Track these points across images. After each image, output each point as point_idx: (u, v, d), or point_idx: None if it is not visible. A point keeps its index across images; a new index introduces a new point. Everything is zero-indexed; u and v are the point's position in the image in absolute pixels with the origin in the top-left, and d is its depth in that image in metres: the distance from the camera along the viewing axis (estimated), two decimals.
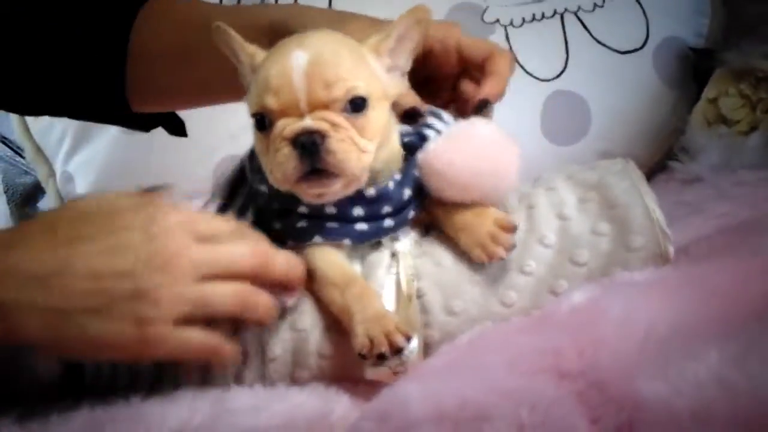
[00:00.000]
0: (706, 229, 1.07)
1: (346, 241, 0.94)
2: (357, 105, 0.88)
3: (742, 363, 0.59)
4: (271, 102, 0.88)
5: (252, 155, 0.98)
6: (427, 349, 0.88)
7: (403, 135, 0.96)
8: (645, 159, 1.67)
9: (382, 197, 0.93)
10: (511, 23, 1.77)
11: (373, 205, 0.93)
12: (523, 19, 1.77)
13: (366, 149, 0.89)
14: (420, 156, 0.92)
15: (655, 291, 0.80)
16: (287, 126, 0.86)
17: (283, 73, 0.87)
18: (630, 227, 0.91)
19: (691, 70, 1.74)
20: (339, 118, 0.87)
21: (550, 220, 0.93)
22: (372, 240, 0.93)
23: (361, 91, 0.88)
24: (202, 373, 0.88)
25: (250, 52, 0.95)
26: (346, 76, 0.87)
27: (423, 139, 0.94)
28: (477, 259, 0.89)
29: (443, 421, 0.64)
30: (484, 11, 1.77)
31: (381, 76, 0.93)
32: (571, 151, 1.68)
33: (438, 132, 0.95)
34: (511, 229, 0.90)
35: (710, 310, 0.72)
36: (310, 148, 0.85)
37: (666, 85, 1.74)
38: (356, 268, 0.95)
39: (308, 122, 0.86)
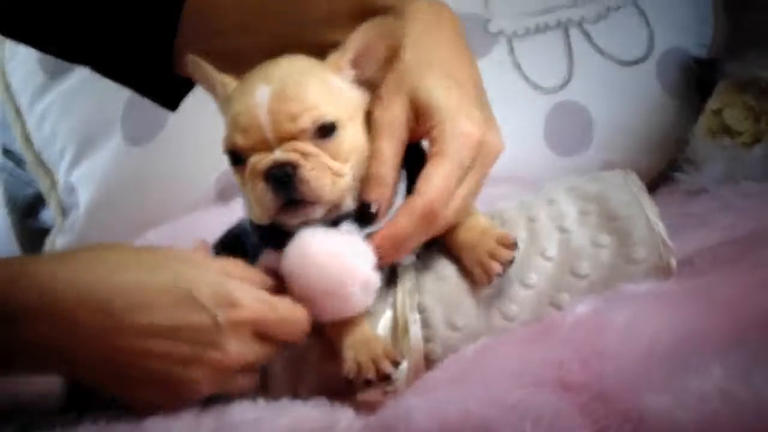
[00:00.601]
0: (710, 240, 1.07)
1: None
2: (326, 130, 0.88)
3: (746, 376, 0.59)
4: (240, 140, 0.88)
5: None
6: (429, 364, 0.88)
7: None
8: (648, 170, 1.66)
9: (348, 216, 0.93)
10: (515, 34, 1.77)
11: (336, 223, 0.92)
12: (527, 30, 1.77)
13: (341, 172, 0.88)
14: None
15: (659, 303, 0.80)
16: (259, 161, 0.87)
17: (248, 111, 0.88)
18: (631, 239, 0.90)
19: (695, 81, 1.74)
20: (309, 147, 0.87)
21: (550, 232, 0.93)
22: None
23: (329, 116, 0.87)
24: None
25: (223, 82, 0.95)
26: (311, 105, 0.87)
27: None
28: (479, 279, 0.89)
29: None
30: (488, 22, 1.77)
31: (348, 92, 0.92)
32: (575, 161, 1.68)
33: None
34: (511, 245, 0.89)
35: (714, 323, 0.72)
36: (283, 180, 0.86)
37: (669, 96, 1.74)
38: None
39: (278, 155, 0.86)
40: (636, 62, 1.74)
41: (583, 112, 1.72)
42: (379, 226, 0.89)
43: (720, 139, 1.56)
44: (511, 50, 1.75)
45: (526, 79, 1.74)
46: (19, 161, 2.06)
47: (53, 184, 1.92)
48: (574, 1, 1.78)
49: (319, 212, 0.88)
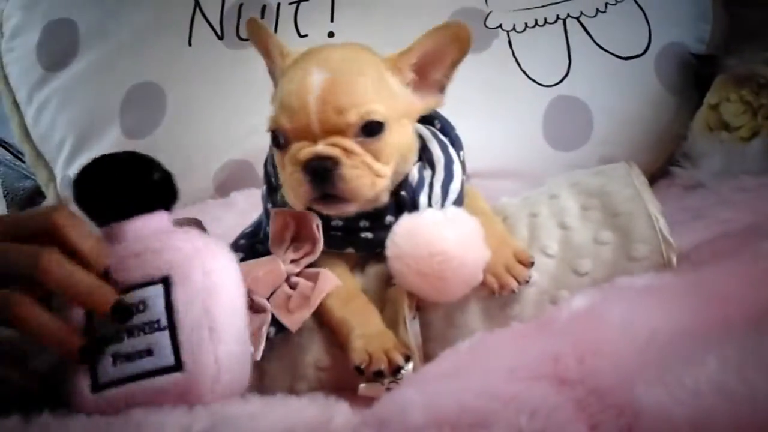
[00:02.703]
0: (707, 234, 1.06)
1: (350, 250, 0.94)
2: (372, 129, 0.87)
3: (742, 370, 0.59)
4: (286, 123, 0.87)
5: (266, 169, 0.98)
6: (428, 361, 0.87)
7: (402, 184, 0.94)
8: (647, 164, 1.66)
9: (385, 208, 0.93)
10: (514, 29, 1.76)
11: (377, 216, 0.93)
12: (526, 25, 1.76)
13: (381, 173, 0.88)
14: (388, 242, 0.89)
15: (655, 297, 0.80)
16: (300, 150, 0.86)
17: (298, 94, 0.87)
18: (633, 236, 0.90)
19: (693, 76, 1.73)
20: (352, 144, 0.86)
21: (552, 229, 0.93)
22: (377, 249, 0.92)
23: (377, 116, 0.87)
24: None
25: (282, 51, 0.95)
26: (361, 100, 0.87)
27: (414, 205, 0.93)
28: (489, 286, 0.88)
29: (442, 428, 0.64)
30: (487, 17, 1.77)
31: (400, 94, 0.92)
32: (573, 156, 1.68)
33: (430, 194, 0.94)
34: (528, 263, 0.89)
35: (710, 317, 0.72)
36: (322, 175, 0.85)
37: (668, 91, 1.73)
38: (357, 279, 0.94)
39: (320, 148, 0.86)
40: (634, 57, 1.74)
41: (582, 107, 1.72)
42: None
43: (717, 134, 1.56)
44: (510, 45, 1.75)
45: (525, 73, 1.73)
46: (17, 154, 2.06)
47: (51, 177, 1.92)
48: None
49: (353, 209, 0.88)
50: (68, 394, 0.81)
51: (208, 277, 0.80)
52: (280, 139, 0.89)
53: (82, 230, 0.81)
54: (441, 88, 0.95)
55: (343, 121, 0.86)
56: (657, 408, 0.60)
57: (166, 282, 0.80)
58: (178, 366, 0.79)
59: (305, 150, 0.86)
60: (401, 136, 0.91)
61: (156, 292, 0.80)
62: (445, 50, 0.92)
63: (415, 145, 0.95)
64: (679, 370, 0.62)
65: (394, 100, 0.90)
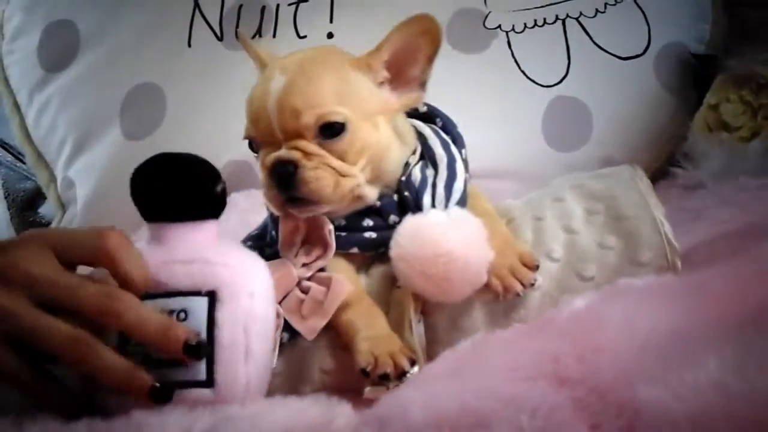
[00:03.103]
0: (707, 235, 1.06)
1: (354, 250, 0.94)
2: (333, 130, 0.88)
3: (742, 369, 0.59)
4: (252, 130, 0.90)
5: None
6: None
7: (405, 182, 0.94)
8: (646, 165, 1.65)
9: (389, 207, 0.93)
10: (513, 29, 1.76)
11: (380, 215, 0.93)
12: (525, 25, 1.76)
13: (347, 173, 0.88)
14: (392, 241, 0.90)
15: (655, 297, 0.80)
16: (266, 156, 0.88)
17: (259, 100, 0.89)
18: (638, 241, 0.90)
19: (693, 76, 1.73)
20: (312, 146, 0.87)
21: (556, 232, 0.93)
22: (381, 249, 0.92)
23: (336, 116, 0.88)
24: None
25: (262, 59, 0.97)
26: (318, 102, 0.87)
27: (418, 205, 0.93)
28: (493, 289, 0.88)
29: (443, 427, 0.64)
30: (486, 17, 1.77)
31: (370, 93, 0.92)
32: (573, 157, 1.68)
33: (433, 194, 0.94)
34: (533, 266, 0.89)
35: (710, 316, 0.72)
36: (286, 179, 0.86)
37: (667, 91, 1.73)
38: (362, 280, 0.94)
39: (281, 152, 0.87)
40: (634, 57, 1.74)
41: (581, 108, 1.72)
42: None
43: (717, 134, 1.55)
44: (509, 45, 1.75)
45: (524, 74, 1.73)
46: (18, 155, 2.06)
47: (52, 178, 1.92)
48: None
49: (323, 210, 0.89)
50: (96, 394, 0.82)
51: (252, 300, 0.81)
52: (253, 146, 0.90)
53: (133, 256, 0.82)
54: (421, 84, 0.95)
55: (301, 124, 0.87)
56: (657, 406, 0.60)
57: (211, 296, 0.81)
58: (209, 383, 0.79)
59: (270, 155, 0.88)
60: (371, 135, 0.91)
61: (200, 304, 0.81)
62: (416, 45, 0.93)
63: (396, 143, 0.95)
64: (679, 369, 0.62)
65: (360, 100, 0.91)
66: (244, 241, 1.03)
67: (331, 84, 0.90)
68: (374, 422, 0.69)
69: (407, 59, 0.93)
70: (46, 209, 2.04)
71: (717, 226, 1.13)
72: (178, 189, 0.84)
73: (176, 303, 0.80)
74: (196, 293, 0.81)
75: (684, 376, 0.61)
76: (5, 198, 2.06)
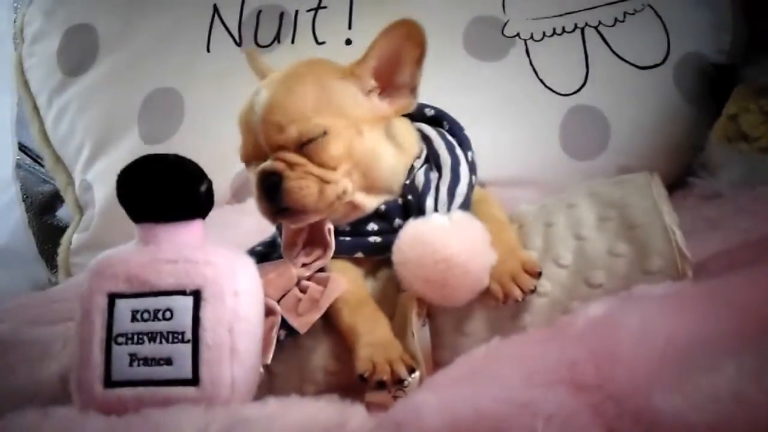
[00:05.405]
0: (724, 244, 1.06)
1: (359, 254, 0.94)
2: (314, 139, 0.89)
3: (759, 377, 0.59)
4: (242, 149, 0.94)
5: None
6: (437, 369, 0.87)
7: (409, 188, 0.95)
8: (664, 174, 1.62)
9: (393, 211, 0.94)
10: (532, 37, 1.76)
11: (385, 219, 0.93)
12: (544, 34, 1.76)
13: (330, 179, 0.89)
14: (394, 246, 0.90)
15: (672, 305, 0.80)
16: (255, 169, 0.91)
17: (246, 116, 0.93)
18: (648, 249, 0.89)
19: (711, 86, 1.73)
20: (296, 157, 0.89)
21: (566, 239, 0.92)
22: (386, 252, 0.92)
23: (317, 129, 0.89)
24: None
25: (263, 73, 1.00)
26: (297, 116, 0.89)
27: (420, 208, 0.94)
28: (494, 295, 0.88)
29: None
30: (505, 25, 1.77)
31: (356, 101, 0.93)
32: (591, 165, 1.68)
33: (437, 197, 0.94)
34: (535, 273, 0.88)
35: (728, 325, 0.72)
36: (273, 190, 0.88)
37: (686, 101, 1.73)
38: (369, 284, 0.95)
39: (266, 164, 0.90)
40: (653, 67, 1.74)
41: (600, 117, 1.72)
42: None
43: (736, 145, 1.55)
44: (528, 54, 1.75)
45: (542, 82, 1.73)
46: (36, 158, 2.07)
47: (70, 181, 1.93)
48: (591, 4, 1.78)
49: (312, 219, 0.90)
50: (78, 387, 0.82)
51: (238, 299, 0.82)
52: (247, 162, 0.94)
53: None
54: (412, 90, 0.96)
55: (284, 138, 0.89)
56: (674, 414, 0.60)
57: (196, 295, 0.81)
58: (195, 381, 0.80)
59: (258, 168, 0.90)
60: (355, 142, 0.92)
61: (185, 303, 0.81)
62: (401, 51, 0.94)
63: (389, 150, 0.96)
64: (696, 377, 0.62)
65: (342, 108, 0.92)
66: (255, 246, 1.04)
67: (312, 95, 0.91)
68: (390, 426, 0.69)
69: (394, 65, 0.94)
70: (63, 212, 2.05)
71: (735, 235, 1.13)
72: (162, 189, 0.84)
73: (162, 302, 0.81)
74: (181, 292, 0.81)
75: (702, 384, 0.61)
76: (23, 200, 2.07)
